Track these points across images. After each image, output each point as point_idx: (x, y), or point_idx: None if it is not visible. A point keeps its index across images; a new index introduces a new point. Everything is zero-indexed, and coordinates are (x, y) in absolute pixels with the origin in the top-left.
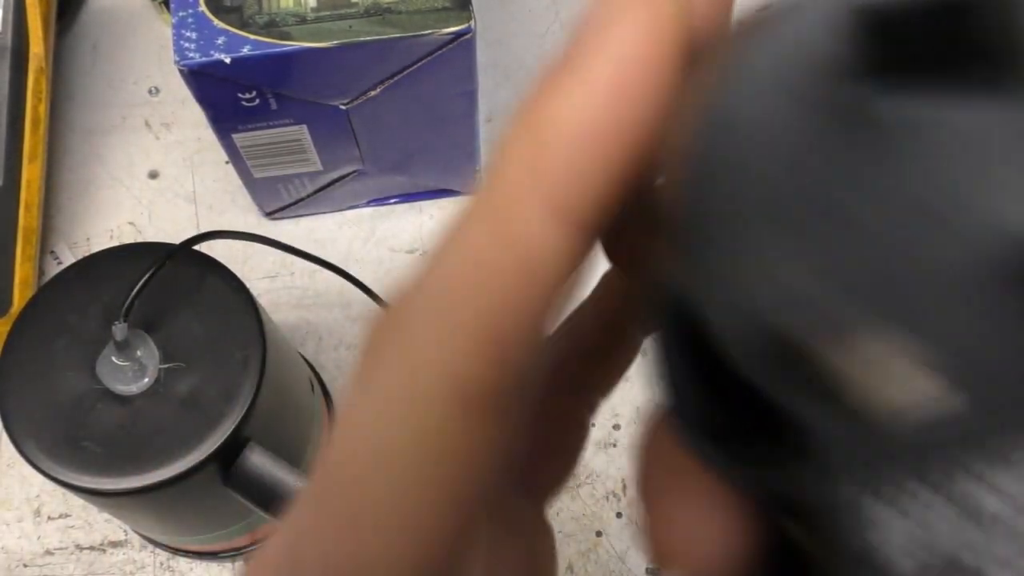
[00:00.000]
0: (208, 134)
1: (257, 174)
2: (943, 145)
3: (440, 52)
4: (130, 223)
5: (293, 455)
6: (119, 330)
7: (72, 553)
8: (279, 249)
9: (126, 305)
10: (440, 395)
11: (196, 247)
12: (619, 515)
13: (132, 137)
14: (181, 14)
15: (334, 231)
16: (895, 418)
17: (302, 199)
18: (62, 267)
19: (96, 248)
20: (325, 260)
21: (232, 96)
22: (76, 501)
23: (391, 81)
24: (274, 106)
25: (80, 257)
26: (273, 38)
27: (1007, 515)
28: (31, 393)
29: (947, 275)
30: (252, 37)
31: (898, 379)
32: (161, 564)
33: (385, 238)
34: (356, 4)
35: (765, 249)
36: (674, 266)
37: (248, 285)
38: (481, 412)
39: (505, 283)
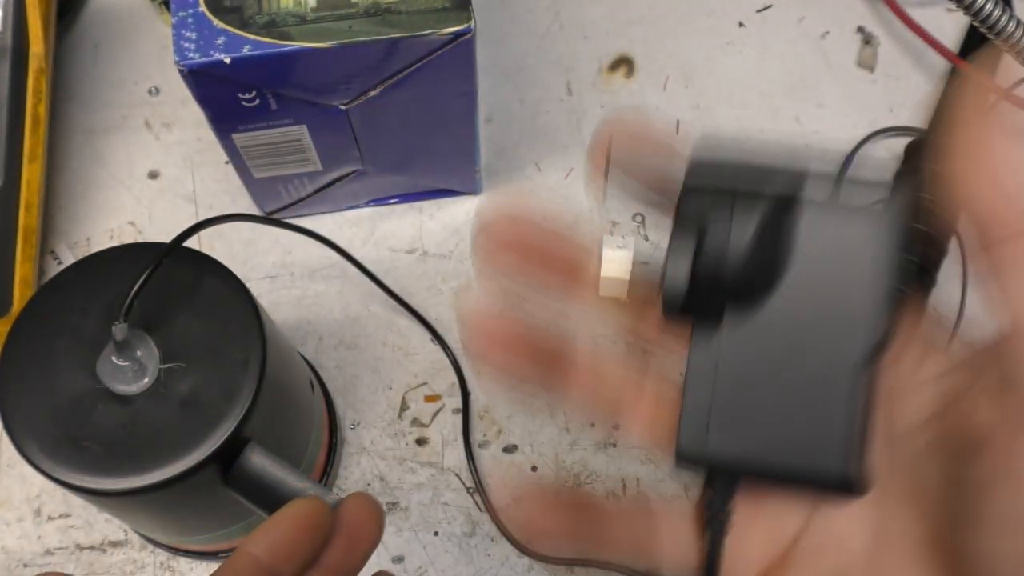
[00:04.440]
0: (208, 134)
1: (257, 174)
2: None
3: (440, 52)
4: (130, 223)
5: (293, 455)
6: (119, 330)
7: (72, 553)
8: (276, 227)
9: (126, 305)
10: None
11: (196, 248)
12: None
13: (132, 137)
14: (181, 14)
15: (334, 231)
16: None
17: (302, 199)
18: (62, 267)
19: (96, 248)
20: (327, 239)
21: (232, 96)
22: (76, 501)
23: (391, 81)
24: (274, 106)
25: (80, 257)
26: (273, 38)
27: None
28: (31, 393)
29: None
30: (252, 37)
31: None
32: (161, 564)
33: (385, 238)
34: (356, 4)
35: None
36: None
37: (248, 285)
38: None
39: None
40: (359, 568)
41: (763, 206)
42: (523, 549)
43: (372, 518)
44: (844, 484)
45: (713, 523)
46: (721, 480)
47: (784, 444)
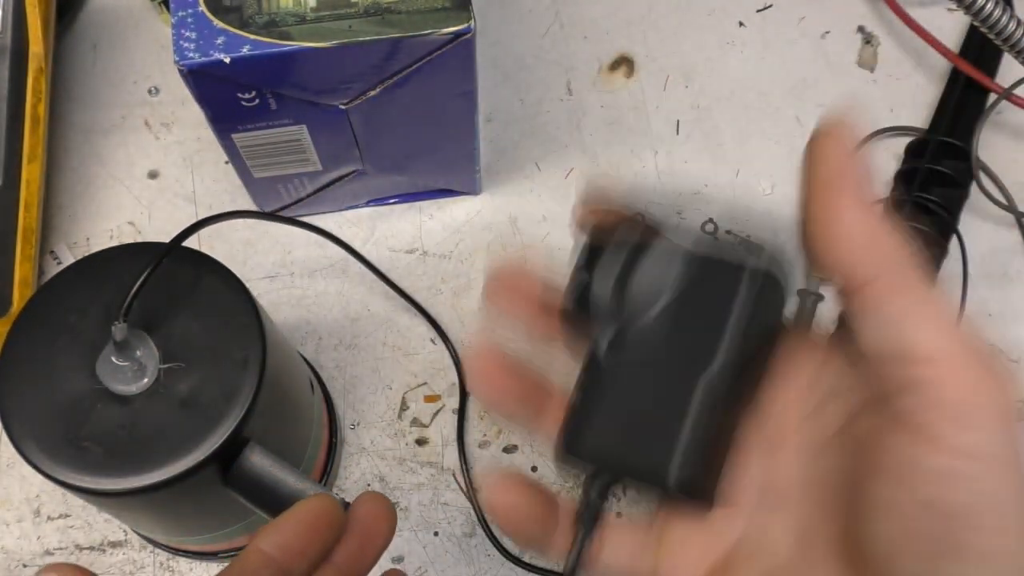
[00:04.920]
0: (208, 134)
1: (257, 174)
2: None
3: (440, 52)
4: (130, 223)
5: (293, 455)
6: (119, 330)
7: (72, 553)
8: (277, 222)
9: (125, 305)
10: None
11: (196, 248)
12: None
13: (132, 137)
14: (181, 14)
15: (334, 231)
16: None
17: (302, 199)
18: (62, 267)
19: (96, 248)
20: (329, 232)
21: (231, 96)
22: (76, 501)
23: (391, 81)
24: (273, 106)
25: (80, 257)
26: (273, 38)
27: None
28: (31, 393)
29: None
30: (252, 37)
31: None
32: (161, 564)
33: (385, 238)
34: (356, 4)
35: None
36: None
37: (248, 285)
38: None
39: None
40: (370, 567)
41: (656, 247)
42: (515, 559)
43: (384, 517)
44: (680, 489)
45: (585, 518)
46: (596, 478)
47: (643, 451)
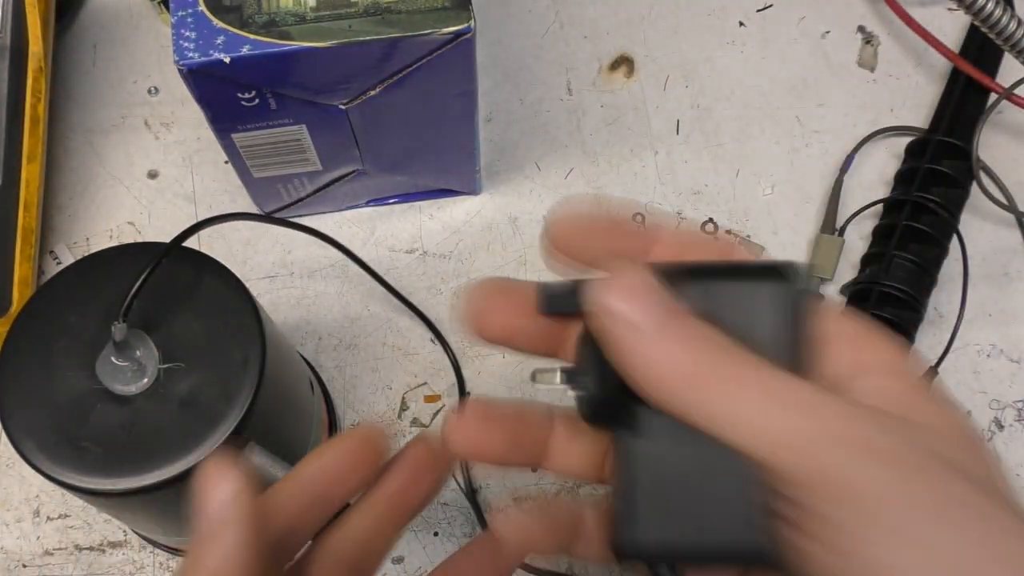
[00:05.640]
0: (208, 134)
1: (257, 174)
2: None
3: (440, 52)
4: (130, 223)
5: (293, 455)
6: (118, 330)
7: (71, 553)
8: (277, 224)
9: (125, 305)
10: None
11: (196, 248)
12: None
13: (131, 137)
14: (180, 14)
15: (334, 231)
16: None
17: (302, 199)
18: (61, 267)
19: (96, 248)
20: (327, 235)
21: (231, 96)
22: (75, 501)
23: (391, 81)
24: (273, 106)
25: (80, 257)
26: (272, 38)
27: None
28: (30, 393)
29: None
30: (251, 37)
31: None
32: (160, 564)
33: (384, 238)
34: (355, 4)
35: None
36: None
37: (248, 285)
38: None
39: None
40: (419, 507)
41: None
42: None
43: (436, 459)
44: (759, 556)
45: None
46: (661, 567)
47: (705, 528)
